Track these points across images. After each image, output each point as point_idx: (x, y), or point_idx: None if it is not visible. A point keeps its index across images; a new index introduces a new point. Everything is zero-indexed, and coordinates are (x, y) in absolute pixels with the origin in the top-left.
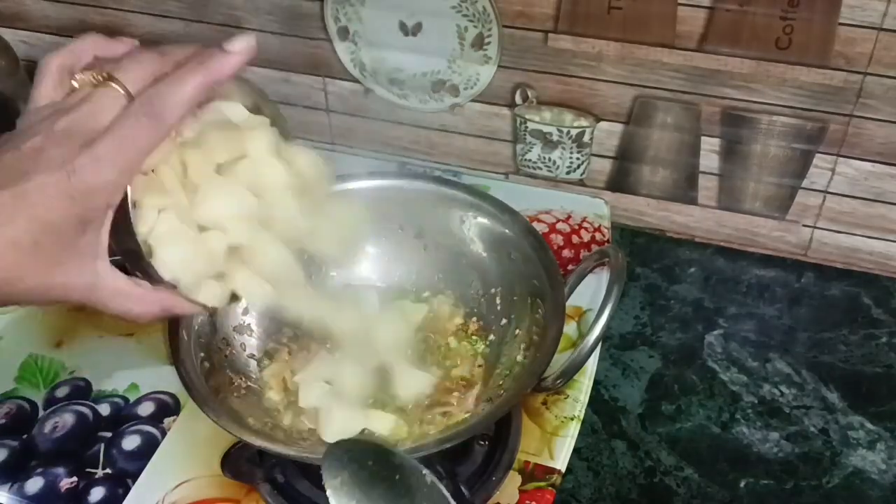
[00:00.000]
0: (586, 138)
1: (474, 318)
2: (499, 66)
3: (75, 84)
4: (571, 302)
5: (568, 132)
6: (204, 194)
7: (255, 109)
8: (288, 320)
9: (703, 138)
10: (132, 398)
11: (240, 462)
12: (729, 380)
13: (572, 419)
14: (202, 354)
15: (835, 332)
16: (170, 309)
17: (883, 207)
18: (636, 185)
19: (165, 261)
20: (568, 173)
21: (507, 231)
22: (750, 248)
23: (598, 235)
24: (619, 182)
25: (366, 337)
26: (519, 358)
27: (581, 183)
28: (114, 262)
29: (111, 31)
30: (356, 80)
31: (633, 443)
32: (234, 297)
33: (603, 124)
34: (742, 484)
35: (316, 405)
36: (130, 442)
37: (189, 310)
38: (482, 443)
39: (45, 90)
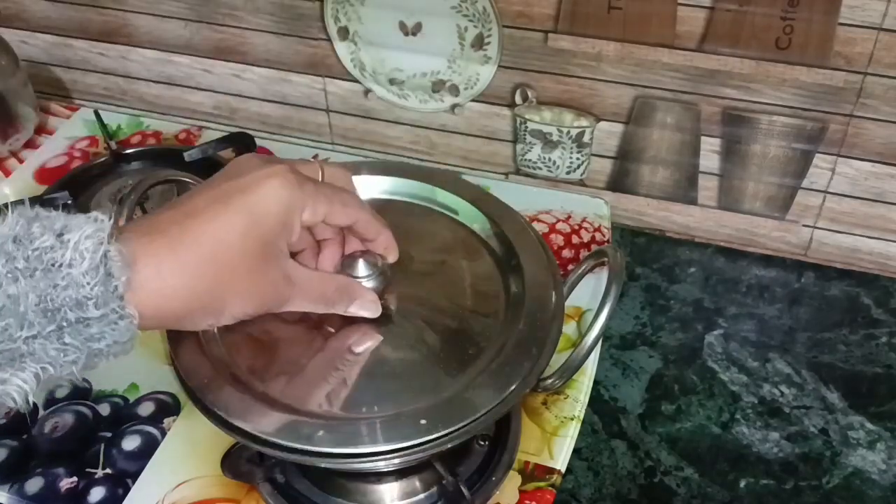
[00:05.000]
0: (586, 138)
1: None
2: (499, 66)
3: None
4: (571, 302)
5: (568, 132)
6: None
7: None
8: None
9: (703, 138)
10: (132, 398)
11: (240, 462)
12: (729, 380)
13: (572, 419)
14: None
15: (835, 332)
16: (346, 289)
17: (883, 207)
18: (636, 185)
19: None
20: (568, 173)
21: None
22: (750, 248)
23: (598, 235)
24: (619, 182)
25: None
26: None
27: (581, 183)
28: None
29: (111, 32)
30: (356, 80)
31: (633, 443)
32: None
33: (603, 124)
34: (742, 484)
35: None
36: (130, 442)
37: (362, 294)
38: (482, 443)
39: None
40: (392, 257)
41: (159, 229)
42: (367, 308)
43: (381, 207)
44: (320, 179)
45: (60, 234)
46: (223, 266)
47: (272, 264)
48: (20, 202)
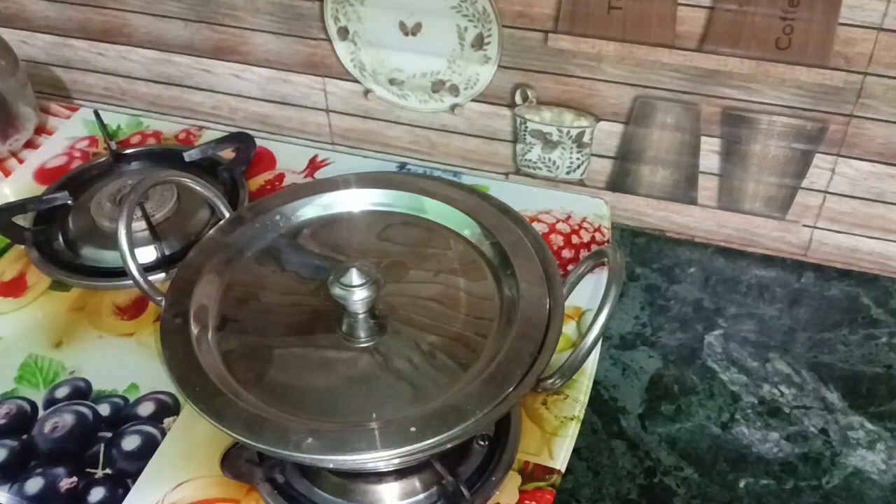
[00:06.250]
0: (586, 138)
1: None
2: (499, 66)
3: None
4: (571, 302)
5: (568, 132)
6: None
7: None
8: None
9: (703, 138)
10: (132, 398)
11: (239, 462)
12: (729, 380)
13: (572, 419)
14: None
15: (835, 332)
16: None
17: (883, 207)
18: (636, 185)
19: None
20: (568, 173)
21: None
22: (750, 248)
23: (598, 235)
24: (619, 182)
25: None
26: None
27: (581, 183)
28: None
29: (111, 32)
30: (356, 80)
31: (633, 443)
32: None
33: (603, 124)
34: (742, 484)
35: None
36: (130, 442)
37: None
38: (482, 443)
39: None
40: None
41: None
42: None
43: (374, 219)
44: None
45: None
46: None
47: None
48: None
